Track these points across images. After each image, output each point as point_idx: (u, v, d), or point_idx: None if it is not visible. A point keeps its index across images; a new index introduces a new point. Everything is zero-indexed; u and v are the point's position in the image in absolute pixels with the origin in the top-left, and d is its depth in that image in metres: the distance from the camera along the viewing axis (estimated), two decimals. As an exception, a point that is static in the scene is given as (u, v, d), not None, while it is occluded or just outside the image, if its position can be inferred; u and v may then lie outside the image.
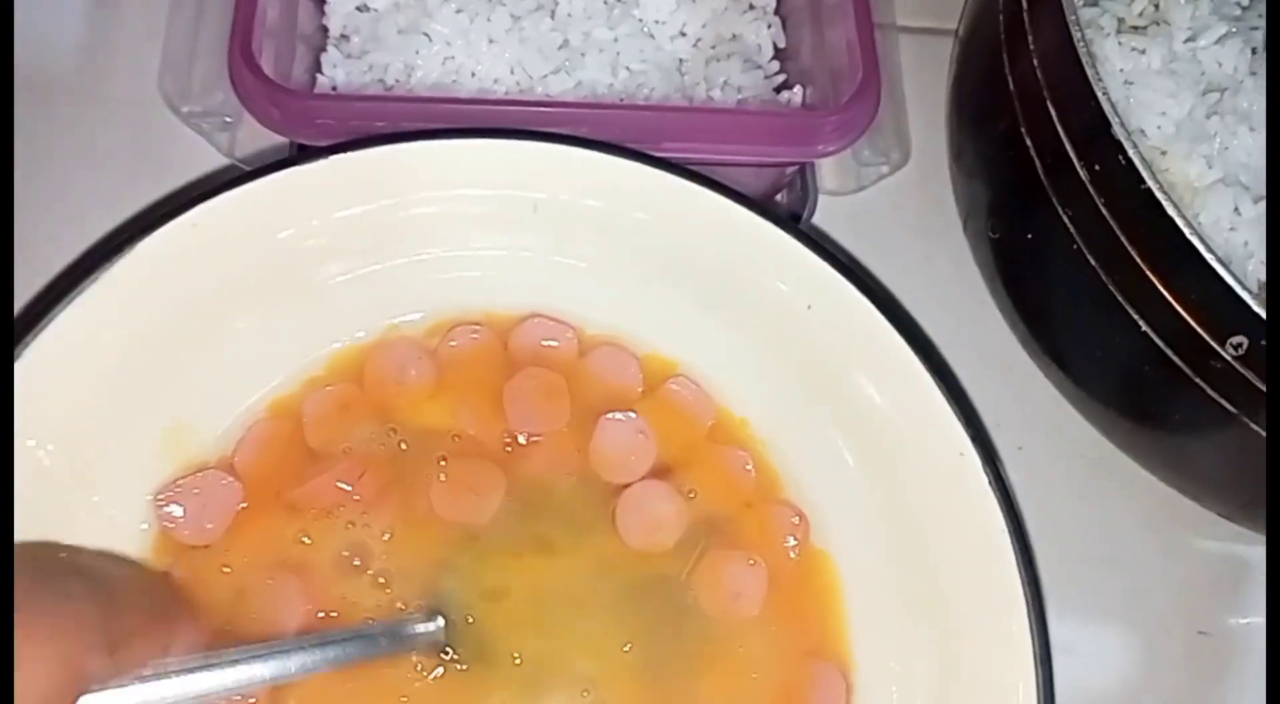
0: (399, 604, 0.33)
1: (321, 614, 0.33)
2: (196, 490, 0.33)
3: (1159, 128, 0.40)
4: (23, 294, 0.40)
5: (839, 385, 0.36)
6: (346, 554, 0.34)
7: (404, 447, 0.35)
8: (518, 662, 0.33)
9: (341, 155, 0.34)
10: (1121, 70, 0.40)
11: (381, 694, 0.32)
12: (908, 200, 0.48)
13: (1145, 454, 0.42)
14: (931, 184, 0.48)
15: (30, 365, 0.31)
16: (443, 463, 0.35)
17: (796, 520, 0.36)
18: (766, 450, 0.38)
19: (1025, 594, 0.31)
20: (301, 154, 0.34)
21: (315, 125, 0.36)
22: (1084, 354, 0.40)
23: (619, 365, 0.37)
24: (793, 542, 0.36)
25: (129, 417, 0.33)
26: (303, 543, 0.34)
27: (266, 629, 0.32)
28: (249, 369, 0.36)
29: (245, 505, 0.34)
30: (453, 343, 0.37)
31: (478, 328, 0.37)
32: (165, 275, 0.33)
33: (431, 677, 0.32)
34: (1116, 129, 0.33)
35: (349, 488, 0.34)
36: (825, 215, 0.46)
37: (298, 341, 0.36)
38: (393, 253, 0.36)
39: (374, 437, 0.35)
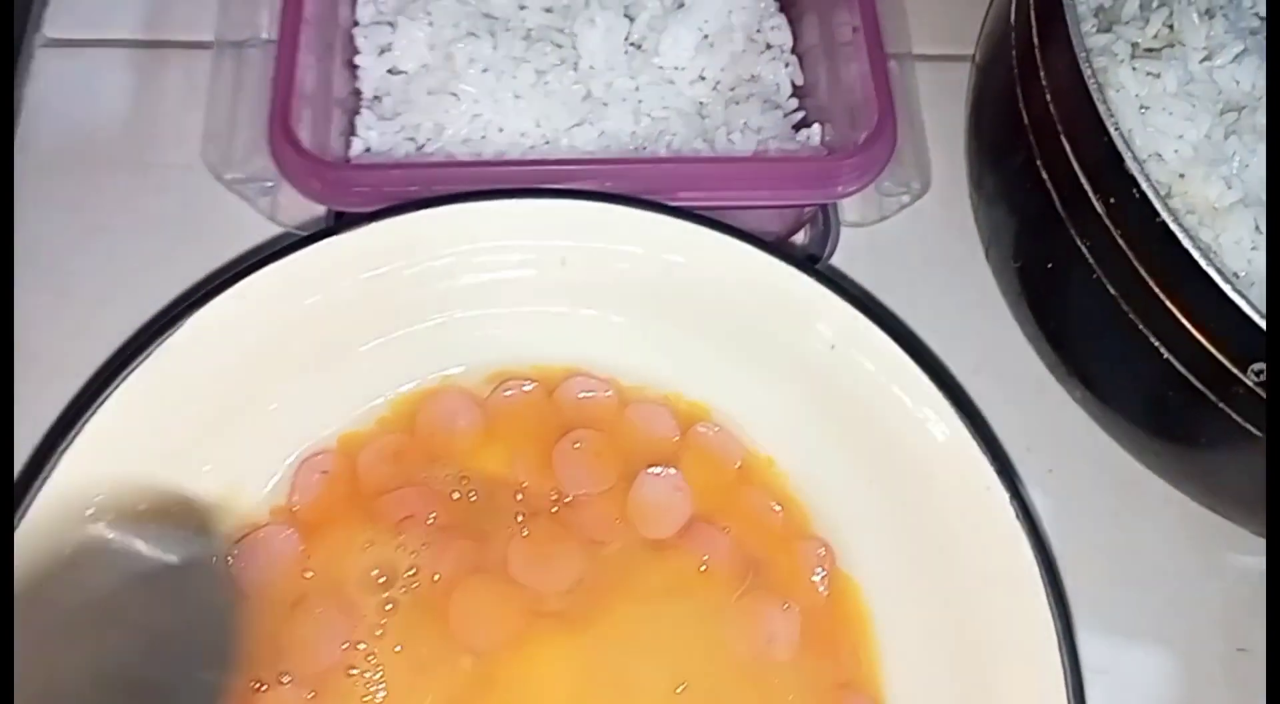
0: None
1: (347, 644, 0.35)
2: (260, 547, 0.36)
3: (1176, 152, 0.40)
4: (83, 363, 0.43)
5: (864, 422, 0.37)
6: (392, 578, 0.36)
7: (474, 497, 0.37)
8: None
9: (377, 223, 0.35)
10: (1137, 96, 0.41)
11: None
12: (930, 228, 0.49)
13: (1176, 475, 0.42)
14: (953, 211, 0.49)
15: (88, 441, 0.33)
16: (520, 518, 0.37)
17: (823, 552, 0.38)
18: (791, 486, 0.39)
19: (1055, 626, 0.32)
20: (340, 224, 0.36)
21: (353, 193, 0.37)
22: (1110, 380, 0.40)
23: (655, 418, 0.39)
24: (821, 573, 0.37)
25: (186, 482, 0.35)
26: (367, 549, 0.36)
27: (304, 654, 0.34)
28: (300, 427, 0.37)
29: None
30: (506, 393, 0.39)
31: (526, 381, 0.39)
32: (216, 346, 0.35)
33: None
34: (1129, 164, 0.33)
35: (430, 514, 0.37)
36: (848, 247, 0.47)
37: (346, 398, 0.38)
38: (432, 312, 0.38)
39: (447, 481, 0.37)
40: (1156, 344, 0.35)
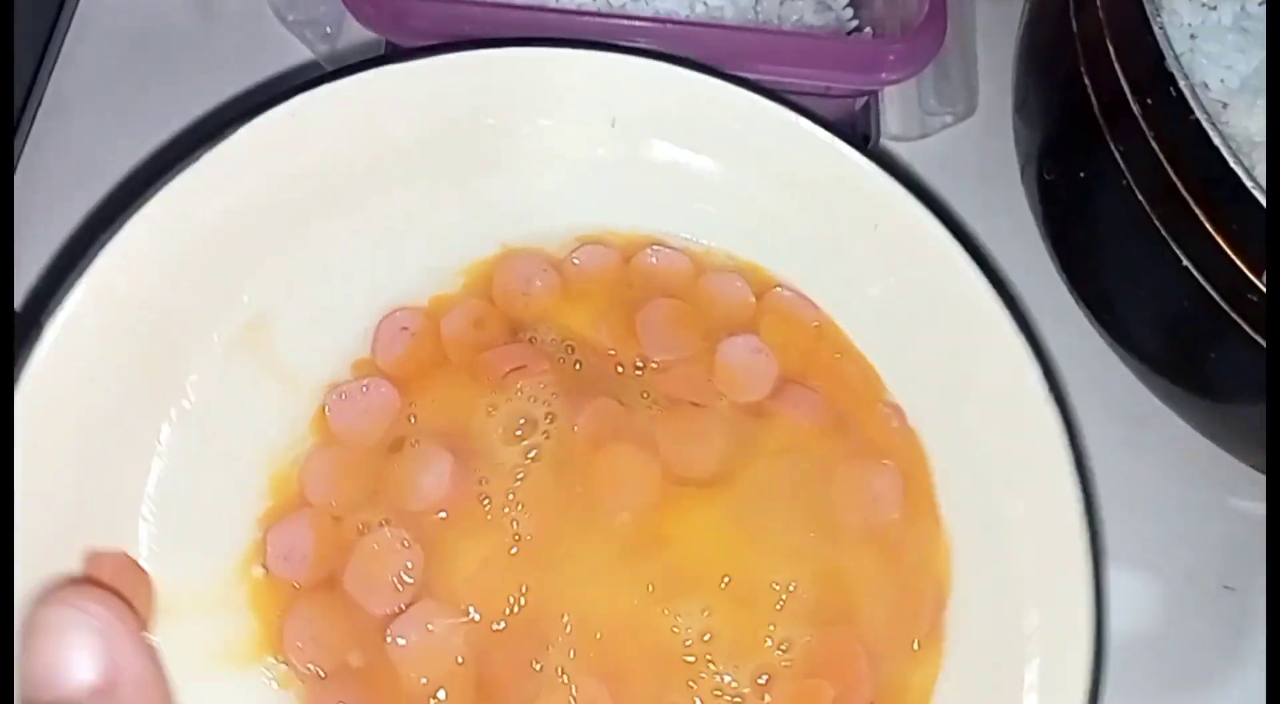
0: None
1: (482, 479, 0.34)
2: (361, 393, 0.36)
3: (1222, 82, 0.40)
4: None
5: (914, 303, 0.37)
6: (520, 424, 0.36)
7: (579, 366, 0.37)
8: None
9: (439, 57, 0.35)
10: (1189, 24, 0.41)
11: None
12: (970, 151, 0.49)
13: (1184, 401, 0.42)
14: (995, 139, 0.49)
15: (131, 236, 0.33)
16: (645, 396, 0.37)
17: (896, 425, 0.37)
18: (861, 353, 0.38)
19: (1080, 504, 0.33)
20: (396, 53, 0.37)
21: (408, 26, 0.38)
22: (1126, 292, 0.41)
23: (731, 285, 0.39)
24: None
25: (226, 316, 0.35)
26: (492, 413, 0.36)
27: (411, 493, 0.34)
28: (366, 281, 0.37)
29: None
30: (576, 260, 0.38)
31: (602, 247, 0.39)
32: (266, 166, 0.35)
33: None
34: (1170, 62, 0.34)
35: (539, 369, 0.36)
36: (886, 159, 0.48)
37: (417, 258, 0.38)
38: (496, 166, 0.38)
39: (553, 346, 0.37)
40: (1177, 250, 0.36)
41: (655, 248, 0.39)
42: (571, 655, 0.33)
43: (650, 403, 0.36)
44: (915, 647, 0.35)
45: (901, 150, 0.48)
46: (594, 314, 0.38)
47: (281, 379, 0.36)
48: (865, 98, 0.45)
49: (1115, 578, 0.42)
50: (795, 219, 0.39)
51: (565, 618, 0.33)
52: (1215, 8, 0.41)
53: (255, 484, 0.35)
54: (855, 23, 0.47)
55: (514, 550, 0.34)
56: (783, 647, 0.34)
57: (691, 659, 0.33)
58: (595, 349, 0.37)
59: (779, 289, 0.39)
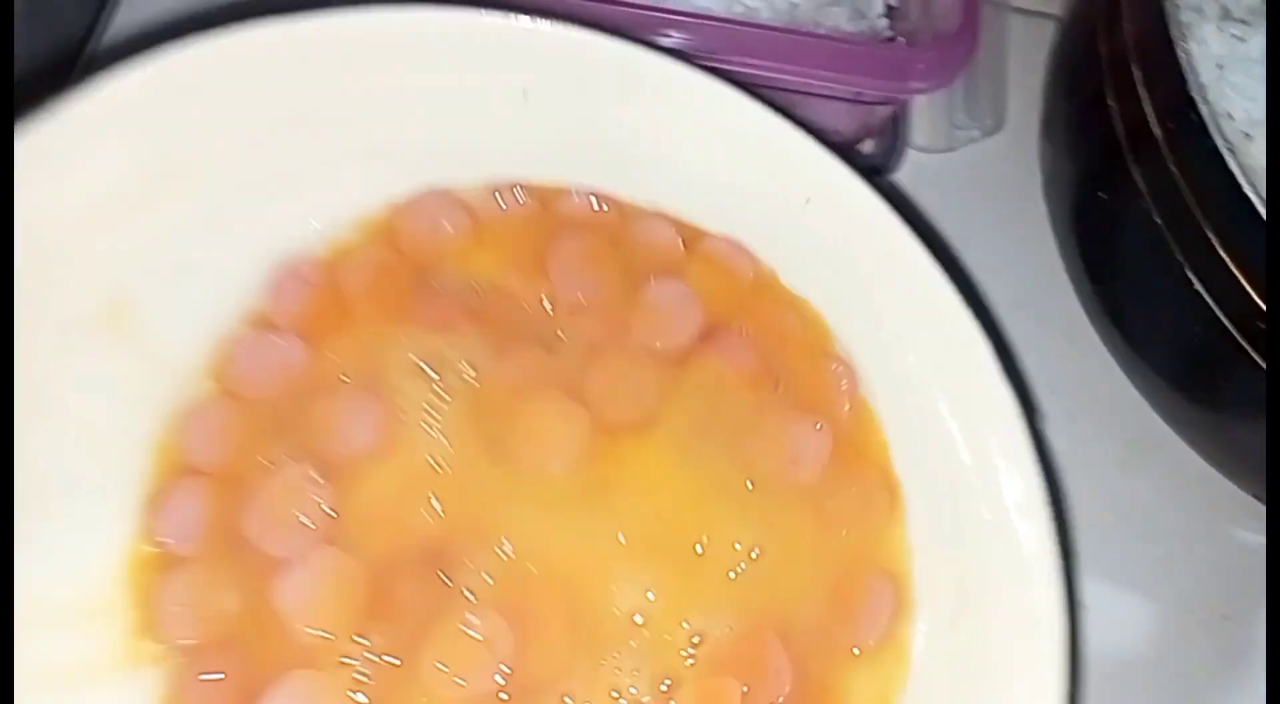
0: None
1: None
2: (261, 349, 0.33)
3: (1247, 113, 0.40)
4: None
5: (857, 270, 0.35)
6: (437, 366, 0.33)
7: (489, 307, 0.34)
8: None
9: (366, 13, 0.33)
10: (1217, 54, 0.41)
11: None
12: (996, 167, 0.50)
13: (1190, 425, 0.42)
14: (1020, 156, 0.49)
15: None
16: (564, 341, 0.34)
17: (845, 384, 0.35)
18: (806, 304, 0.36)
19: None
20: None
21: None
22: (1139, 314, 0.41)
23: (657, 228, 0.36)
24: (845, 402, 0.34)
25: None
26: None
27: (335, 436, 0.32)
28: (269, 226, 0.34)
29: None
30: (503, 205, 0.36)
31: (520, 191, 0.36)
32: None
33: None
34: (1191, 85, 0.34)
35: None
36: (912, 170, 0.48)
37: (323, 204, 0.35)
38: (405, 119, 0.35)
39: (461, 289, 0.34)
40: (1190, 275, 0.36)
41: (579, 192, 0.36)
42: (489, 581, 0.31)
43: (573, 349, 0.34)
44: (856, 652, 0.32)
45: (929, 162, 0.49)
46: (503, 256, 0.35)
47: (145, 358, 0.33)
48: (894, 107, 0.45)
49: (1112, 600, 0.43)
50: (723, 177, 0.36)
51: (505, 543, 0.31)
52: (1244, 39, 0.42)
53: (132, 469, 0.33)
54: (890, 33, 0.47)
55: (431, 485, 0.32)
56: (695, 640, 0.32)
57: (620, 635, 0.31)
58: (504, 291, 0.34)
59: (713, 238, 0.36)
